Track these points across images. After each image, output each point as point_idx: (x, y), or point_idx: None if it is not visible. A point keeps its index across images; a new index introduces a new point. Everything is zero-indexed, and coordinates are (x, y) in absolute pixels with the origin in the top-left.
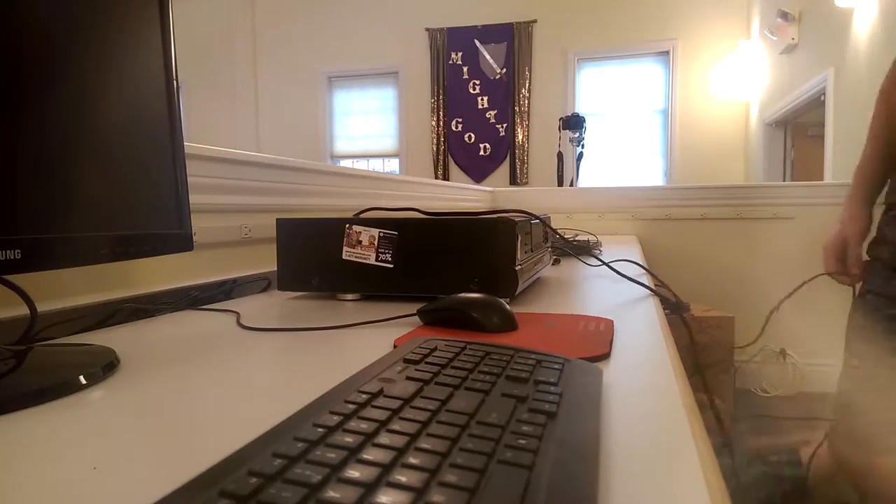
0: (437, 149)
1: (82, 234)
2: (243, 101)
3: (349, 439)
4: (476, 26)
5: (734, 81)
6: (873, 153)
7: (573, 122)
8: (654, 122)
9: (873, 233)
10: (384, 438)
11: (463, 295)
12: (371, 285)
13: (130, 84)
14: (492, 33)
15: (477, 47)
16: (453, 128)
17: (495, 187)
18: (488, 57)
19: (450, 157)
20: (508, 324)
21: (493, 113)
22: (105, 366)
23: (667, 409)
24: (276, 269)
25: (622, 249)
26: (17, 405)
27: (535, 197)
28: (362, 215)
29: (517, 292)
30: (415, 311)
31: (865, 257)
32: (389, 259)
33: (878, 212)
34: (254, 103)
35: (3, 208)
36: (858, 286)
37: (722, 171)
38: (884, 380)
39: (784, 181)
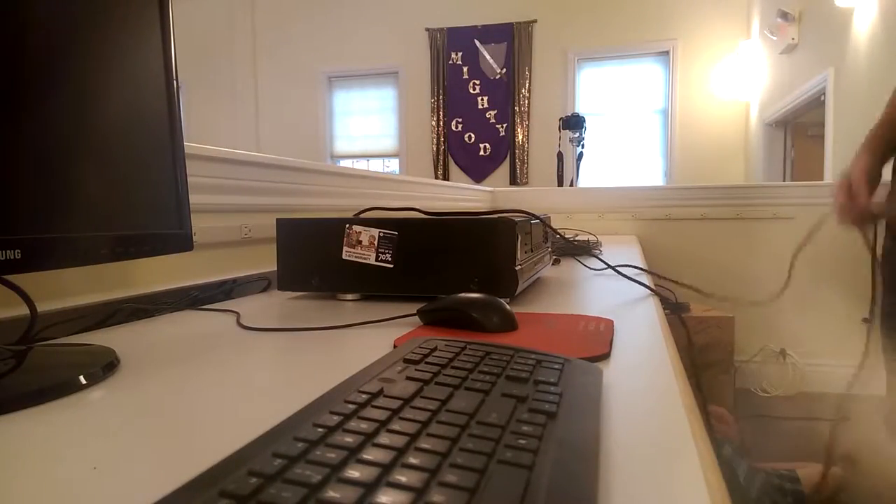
0: (437, 149)
1: (82, 234)
2: (243, 101)
3: (349, 439)
4: (476, 26)
5: (734, 81)
6: (886, 118)
7: (573, 122)
8: (654, 122)
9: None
10: (384, 438)
11: (463, 295)
12: (371, 285)
13: (130, 84)
14: (492, 33)
15: (477, 47)
16: (453, 128)
17: (495, 187)
18: (488, 57)
19: (450, 157)
20: (508, 324)
21: (493, 113)
22: (105, 366)
23: (667, 409)
24: (276, 269)
25: (622, 249)
26: (17, 405)
27: (535, 197)
28: (362, 215)
29: (517, 292)
30: (415, 311)
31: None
32: (389, 259)
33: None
34: (254, 103)
35: (3, 208)
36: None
37: (722, 171)
38: None
39: (784, 181)
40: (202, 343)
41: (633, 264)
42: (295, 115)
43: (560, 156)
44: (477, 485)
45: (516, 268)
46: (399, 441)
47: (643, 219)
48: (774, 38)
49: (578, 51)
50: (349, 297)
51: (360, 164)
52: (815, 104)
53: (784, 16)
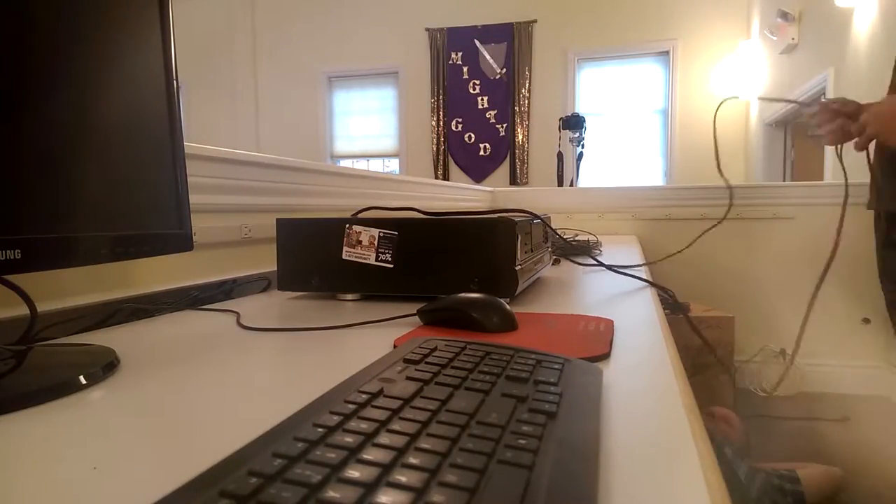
0: (437, 149)
1: (82, 234)
2: (243, 101)
3: (349, 439)
4: (476, 26)
5: (734, 81)
6: None
7: (573, 122)
8: (654, 122)
9: None
10: (384, 438)
11: (463, 295)
12: (371, 285)
13: (131, 84)
14: (492, 33)
15: (477, 47)
16: (453, 128)
17: (495, 187)
18: (488, 57)
19: (450, 157)
20: (508, 324)
21: (493, 113)
22: (105, 366)
23: (667, 409)
24: (276, 269)
25: (622, 249)
26: (17, 405)
27: (535, 197)
28: (361, 215)
29: (517, 292)
30: (415, 311)
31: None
32: (389, 259)
33: None
34: (254, 103)
35: (3, 208)
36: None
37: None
38: None
39: (784, 181)
40: (202, 343)
41: (629, 264)
42: (295, 115)
43: (560, 156)
44: (477, 485)
45: (516, 268)
46: (399, 441)
47: (643, 219)
48: (774, 38)
49: (578, 51)
50: (349, 297)
51: (360, 164)
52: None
53: (784, 16)
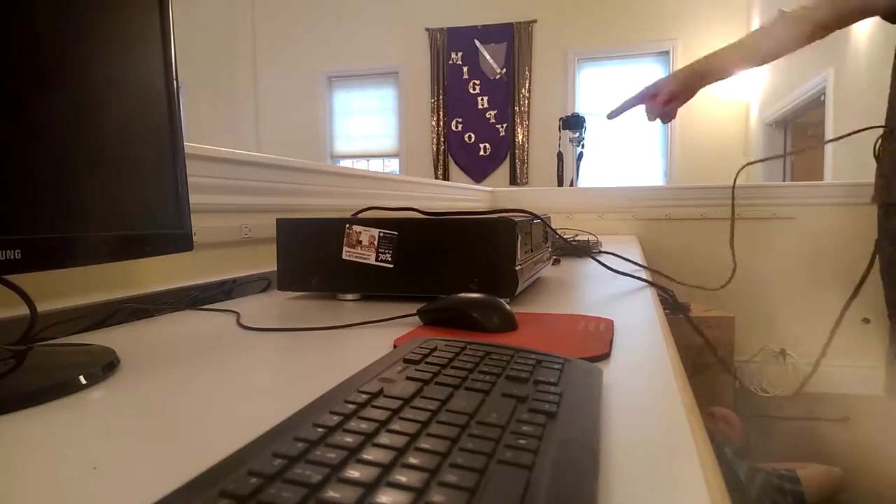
0: (437, 149)
1: (82, 234)
2: (243, 101)
3: (349, 439)
4: (476, 26)
5: (734, 81)
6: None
7: (573, 122)
8: (654, 123)
9: None
10: (384, 438)
11: (463, 295)
12: (371, 285)
13: (131, 84)
14: (492, 33)
15: (477, 47)
16: (453, 128)
17: (495, 187)
18: (488, 57)
19: (450, 157)
20: (508, 324)
21: (493, 113)
22: (105, 366)
23: (667, 409)
24: (276, 269)
25: (622, 249)
26: (17, 405)
27: (535, 197)
28: (361, 215)
29: (517, 292)
30: (415, 311)
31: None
32: (389, 259)
33: None
34: (254, 103)
35: (3, 208)
36: None
37: (722, 171)
38: None
39: (784, 181)
40: (202, 343)
41: (630, 264)
42: (295, 116)
43: (560, 156)
44: (477, 485)
45: (516, 268)
46: (399, 441)
47: (643, 219)
48: None
49: (578, 51)
50: (349, 297)
51: (360, 164)
52: (815, 104)
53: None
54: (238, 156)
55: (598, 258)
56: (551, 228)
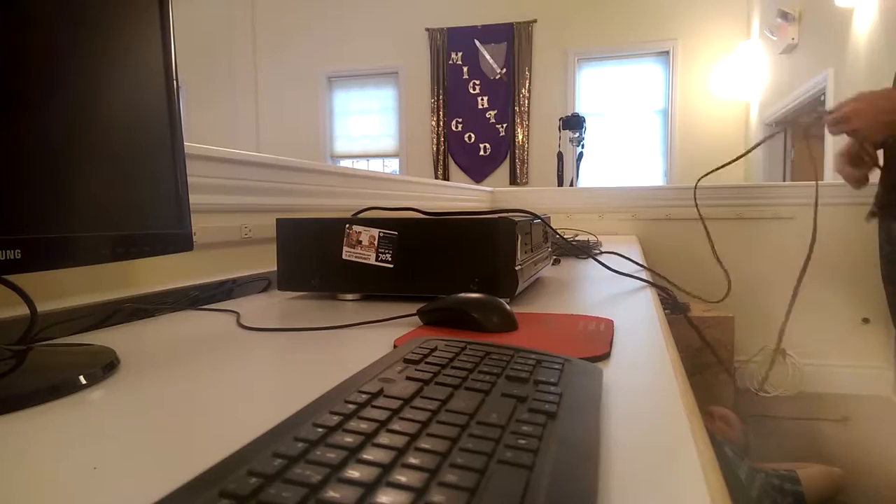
0: (437, 149)
1: (82, 234)
2: (243, 101)
3: (349, 439)
4: (476, 26)
5: (734, 81)
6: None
7: (573, 122)
8: (654, 122)
9: None
10: (384, 438)
11: (463, 295)
12: (371, 285)
13: (131, 84)
14: (492, 33)
15: (477, 47)
16: (453, 128)
17: (495, 187)
18: (488, 57)
19: (450, 157)
20: (508, 324)
21: (493, 113)
22: (105, 366)
23: (667, 409)
24: (276, 269)
25: (622, 249)
26: (17, 405)
27: (535, 197)
28: (361, 215)
29: (517, 292)
30: (415, 311)
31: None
32: (389, 259)
33: None
34: (254, 103)
35: (3, 208)
36: None
37: (722, 171)
38: None
39: (784, 181)
40: (202, 343)
41: (630, 263)
42: (295, 115)
43: (560, 156)
44: (477, 485)
45: (516, 268)
46: (399, 441)
47: (643, 219)
48: (774, 38)
49: (578, 51)
50: (349, 297)
51: (360, 164)
52: (815, 104)
53: (784, 16)
54: (238, 156)
55: (598, 258)
56: (551, 228)
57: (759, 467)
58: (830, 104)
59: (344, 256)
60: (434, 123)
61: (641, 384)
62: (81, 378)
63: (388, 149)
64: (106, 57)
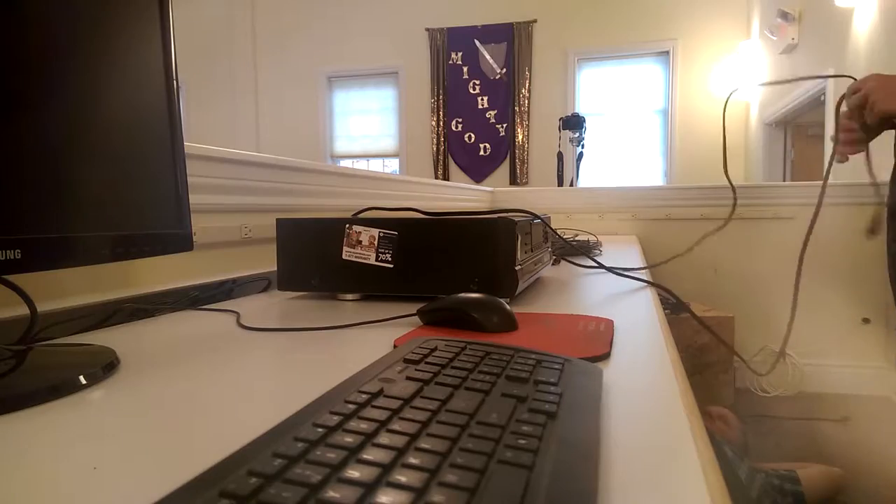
0: (437, 149)
1: (82, 234)
2: (243, 101)
3: (349, 439)
4: (476, 26)
5: (734, 82)
6: None
7: (573, 122)
8: (654, 122)
9: None
10: (384, 438)
11: (463, 295)
12: (371, 285)
13: (131, 84)
14: (492, 33)
15: (477, 47)
16: (453, 128)
17: (495, 187)
18: (488, 57)
19: (450, 157)
20: (508, 324)
21: (493, 113)
22: (105, 366)
23: (667, 409)
24: (276, 269)
25: (622, 249)
26: (17, 405)
27: (535, 197)
28: (361, 215)
29: (517, 292)
30: (415, 311)
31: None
32: (389, 259)
33: None
34: (254, 103)
35: (3, 208)
36: None
37: (722, 171)
38: None
39: (784, 181)
40: (202, 343)
41: (629, 265)
42: (295, 115)
43: (560, 156)
44: (477, 485)
45: (516, 268)
46: (399, 441)
47: (643, 219)
48: (774, 38)
49: (578, 51)
50: (349, 297)
51: (360, 164)
52: (815, 104)
53: (784, 16)
54: (238, 156)
55: (597, 259)
56: (551, 228)
57: (758, 467)
58: (830, 104)
59: (344, 256)
60: (434, 123)
61: (641, 384)
62: (81, 378)
63: (388, 149)
64: (106, 57)
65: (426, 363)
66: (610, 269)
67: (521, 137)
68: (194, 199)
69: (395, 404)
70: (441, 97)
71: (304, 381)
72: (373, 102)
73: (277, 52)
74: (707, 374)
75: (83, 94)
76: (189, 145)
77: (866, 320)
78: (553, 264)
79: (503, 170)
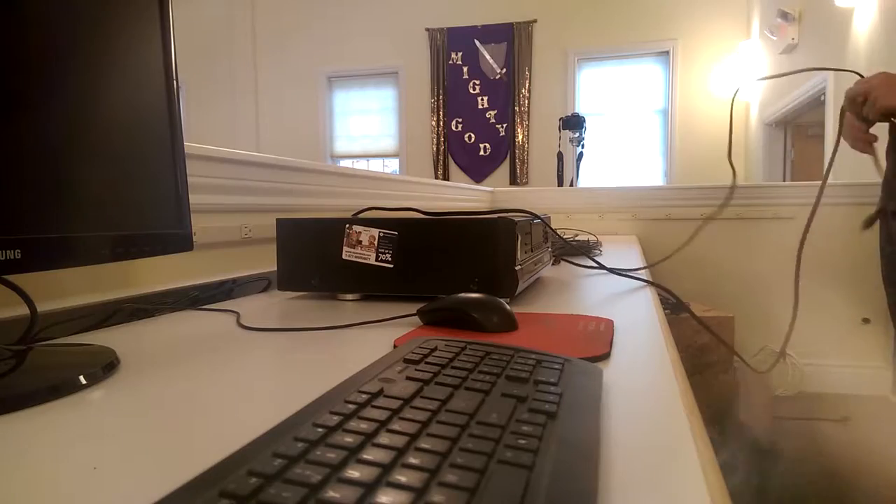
0: (437, 149)
1: (82, 234)
2: (243, 101)
3: (349, 439)
4: (476, 26)
5: (734, 81)
6: None
7: (573, 122)
8: (654, 122)
9: None
10: (384, 438)
11: (463, 295)
12: (371, 285)
13: (131, 84)
14: (492, 33)
15: (477, 47)
16: (453, 128)
17: (495, 187)
18: (488, 57)
19: (450, 157)
20: (508, 324)
21: (493, 113)
22: (105, 366)
23: (667, 409)
24: (276, 269)
25: (622, 249)
26: (17, 405)
27: (535, 197)
28: (361, 215)
29: (517, 292)
30: (415, 311)
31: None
32: (389, 259)
33: None
34: (254, 103)
35: (3, 208)
36: None
37: (722, 171)
38: None
39: (784, 181)
40: (202, 343)
41: (629, 265)
42: (295, 115)
43: (560, 156)
44: (477, 485)
45: (516, 268)
46: (399, 441)
47: (643, 219)
48: (774, 38)
49: (578, 51)
50: (349, 297)
51: (360, 164)
52: (815, 104)
53: (784, 16)
54: (238, 156)
55: (597, 259)
56: (551, 228)
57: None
58: (830, 104)
59: (344, 256)
60: (434, 123)
61: (641, 384)
62: (81, 378)
63: (388, 149)
64: (106, 57)
65: (426, 363)
66: (610, 270)
67: (521, 137)
68: (194, 199)
69: (395, 404)
70: (441, 97)
71: (304, 381)
72: (373, 102)
73: (277, 52)
74: (707, 374)
75: (83, 94)
76: (189, 145)
77: (866, 320)
78: (553, 264)
79: (503, 170)
